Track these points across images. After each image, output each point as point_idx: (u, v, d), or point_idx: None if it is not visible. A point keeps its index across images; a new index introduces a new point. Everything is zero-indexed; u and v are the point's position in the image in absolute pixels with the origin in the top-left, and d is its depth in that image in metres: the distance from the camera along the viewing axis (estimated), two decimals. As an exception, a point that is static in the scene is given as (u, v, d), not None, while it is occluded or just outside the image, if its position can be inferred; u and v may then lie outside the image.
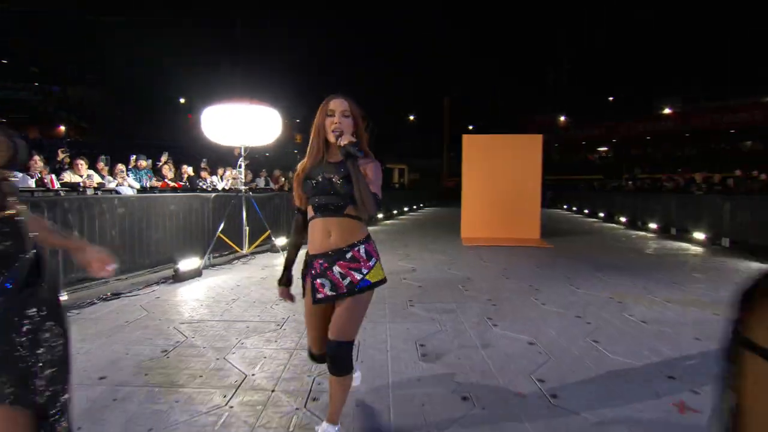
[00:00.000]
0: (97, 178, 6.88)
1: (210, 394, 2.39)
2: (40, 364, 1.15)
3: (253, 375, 2.63)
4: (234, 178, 9.48)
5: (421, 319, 3.72)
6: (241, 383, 2.52)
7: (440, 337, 3.29)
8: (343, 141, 1.66)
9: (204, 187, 8.72)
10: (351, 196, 1.69)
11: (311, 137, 1.82)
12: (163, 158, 8.89)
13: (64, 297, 3.99)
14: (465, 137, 9.30)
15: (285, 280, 1.94)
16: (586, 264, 6.32)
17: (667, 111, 40.44)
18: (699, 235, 8.83)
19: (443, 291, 4.72)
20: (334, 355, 1.73)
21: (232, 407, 2.25)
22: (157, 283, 5.03)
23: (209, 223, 6.33)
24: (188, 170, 9.10)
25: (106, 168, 7.43)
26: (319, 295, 1.74)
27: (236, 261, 6.56)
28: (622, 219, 13.38)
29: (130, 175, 7.71)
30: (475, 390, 2.45)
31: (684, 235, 9.44)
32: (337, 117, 1.75)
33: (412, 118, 51.97)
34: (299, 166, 1.85)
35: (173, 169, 8.59)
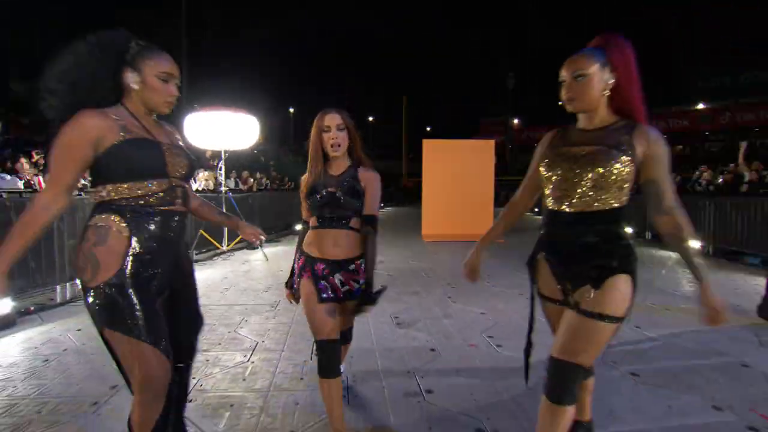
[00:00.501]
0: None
1: (233, 354, 3.00)
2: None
3: (263, 341, 3.25)
4: (206, 180, 9.95)
5: (394, 299, 4.43)
6: (255, 347, 3.14)
7: (410, 312, 4.02)
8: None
9: None
10: (354, 209, 1.89)
11: (310, 153, 1.92)
12: None
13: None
14: (425, 142, 10.08)
15: (291, 284, 2.06)
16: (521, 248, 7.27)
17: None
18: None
19: (409, 278, 5.47)
20: (329, 346, 1.87)
21: (253, 362, 2.87)
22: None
23: (191, 221, 6.79)
24: None
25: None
26: (324, 296, 1.87)
27: (216, 257, 7.03)
28: None
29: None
30: (440, 345, 3.19)
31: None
32: (333, 132, 1.87)
33: (371, 119, 52.74)
34: (302, 183, 1.96)
35: None
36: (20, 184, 6.04)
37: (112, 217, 1.40)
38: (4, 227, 4.28)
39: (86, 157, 1.38)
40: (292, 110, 52.03)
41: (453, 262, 6.68)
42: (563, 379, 1.45)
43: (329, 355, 1.84)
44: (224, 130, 6.54)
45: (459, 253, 7.45)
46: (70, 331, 3.42)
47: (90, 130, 1.36)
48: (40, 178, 6.41)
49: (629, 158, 1.45)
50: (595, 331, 1.43)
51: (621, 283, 1.46)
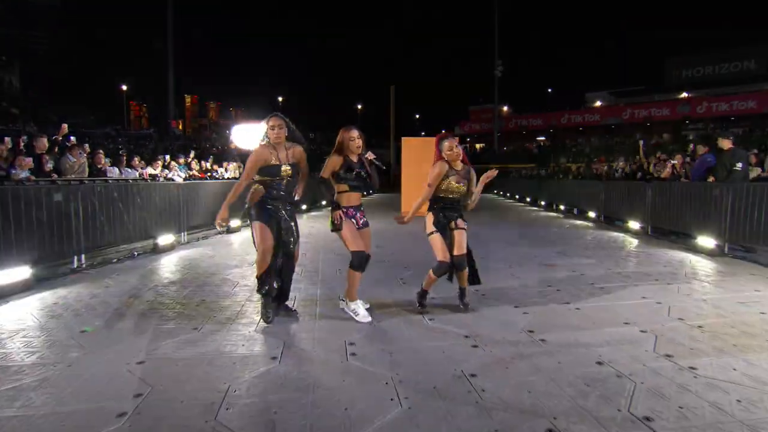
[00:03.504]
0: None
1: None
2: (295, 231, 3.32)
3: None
4: (235, 169, 11.86)
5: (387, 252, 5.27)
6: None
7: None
8: (371, 156, 3.42)
9: (216, 176, 11.58)
10: (366, 182, 3.40)
11: (342, 149, 3.29)
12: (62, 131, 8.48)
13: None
14: (403, 140, 12.25)
15: (336, 206, 3.33)
16: (475, 222, 8.19)
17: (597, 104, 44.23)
18: (591, 214, 11.08)
19: (392, 240, 6.32)
20: (366, 257, 3.33)
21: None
22: (145, 251, 6.27)
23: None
24: (206, 165, 11.74)
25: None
26: (356, 225, 3.38)
27: (217, 236, 7.86)
28: (528, 199, 17.95)
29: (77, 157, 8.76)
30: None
31: (582, 214, 11.68)
32: (357, 141, 3.31)
33: (360, 107, 53.15)
34: (336, 163, 3.28)
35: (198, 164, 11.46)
36: (135, 175, 8.35)
37: (258, 185, 3.26)
38: (109, 204, 5.59)
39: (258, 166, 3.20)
40: (281, 99, 52.29)
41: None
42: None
43: (359, 258, 3.27)
44: (258, 134, 7.97)
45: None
46: (81, 294, 4.13)
47: (259, 159, 3.18)
48: (146, 171, 9.12)
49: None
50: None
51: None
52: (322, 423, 1.98)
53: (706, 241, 6.19)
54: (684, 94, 38.66)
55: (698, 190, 6.67)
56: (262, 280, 3.24)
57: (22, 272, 4.20)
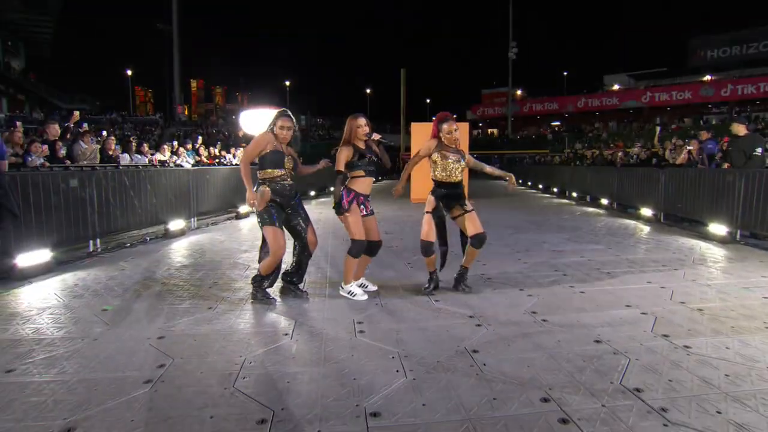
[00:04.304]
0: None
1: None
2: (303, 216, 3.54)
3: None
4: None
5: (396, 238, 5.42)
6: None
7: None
8: (377, 137, 3.54)
9: (224, 162, 11.56)
10: (378, 165, 3.56)
11: (350, 139, 3.44)
12: (74, 117, 9.29)
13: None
14: (413, 125, 12.23)
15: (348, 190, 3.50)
16: (485, 208, 8.25)
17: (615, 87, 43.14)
18: (604, 201, 11.02)
19: (403, 224, 6.45)
20: (378, 244, 3.62)
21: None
22: (160, 236, 6.49)
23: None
24: (214, 151, 11.83)
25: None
26: (365, 213, 3.52)
27: (227, 221, 8.07)
28: (541, 186, 17.99)
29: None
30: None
31: (594, 201, 11.62)
32: (364, 129, 3.45)
33: (369, 91, 52.89)
34: (347, 154, 3.40)
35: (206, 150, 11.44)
36: (144, 161, 8.54)
37: (265, 187, 3.29)
38: (122, 190, 5.79)
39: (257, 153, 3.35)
40: (288, 83, 52.20)
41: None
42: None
43: (359, 246, 3.43)
44: (265, 120, 8.06)
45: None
46: (98, 276, 4.37)
47: (261, 143, 3.32)
48: (155, 157, 9.19)
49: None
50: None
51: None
52: (332, 391, 2.13)
53: (718, 228, 6.17)
54: (707, 77, 37.60)
55: (711, 177, 6.63)
56: (266, 278, 3.48)
57: (43, 255, 4.44)
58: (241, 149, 11.96)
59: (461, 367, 2.37)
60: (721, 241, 5.93)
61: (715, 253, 5.35)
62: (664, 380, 2.19)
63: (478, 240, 3.56)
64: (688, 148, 8.25)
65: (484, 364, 2.40)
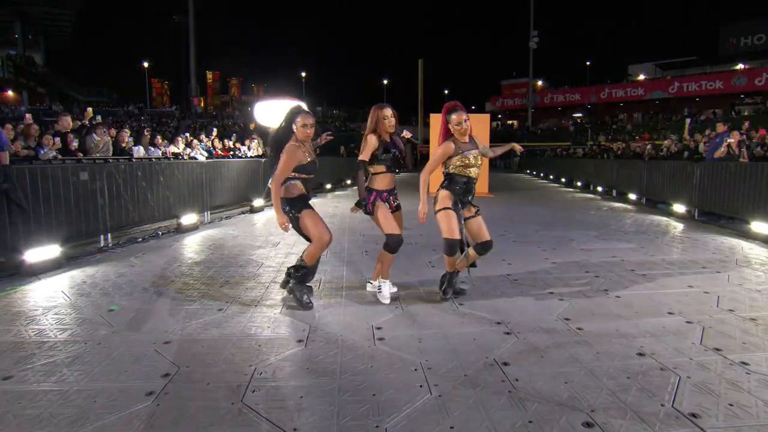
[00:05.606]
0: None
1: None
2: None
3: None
4: (258, 147, 11.65)
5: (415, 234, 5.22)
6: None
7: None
8: (407, 135, 3.34)
9: (239, 155, 11.22)
10: (398, 163, 3.31)
11: (376, 129, 3.16)
12: (88, 113, 9.75)
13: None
14: (432, 116, 11.83)
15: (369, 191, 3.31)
16: (507, 203, 7.94)
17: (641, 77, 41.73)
18: (632, 196, 10.58)
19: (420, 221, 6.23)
20: (400, 240, 3.28)
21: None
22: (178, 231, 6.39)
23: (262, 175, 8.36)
24: (229, 143, 11.53)
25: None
26: (390, 209, 3.32)
27: (241, 215, 7.95)
28: (563, 180, 17.36)
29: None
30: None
31: (621, 196, 11.18)
32: (390, 120, 3.18)
33: (385, 82, 52.40)
34: (374, 144, 3.15)
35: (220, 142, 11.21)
36: (158, 154, 8.37)
37: (295, 181, 3.16)
38: (133, 183, 5.68)
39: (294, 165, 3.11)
40: (304, 74, 52.24)
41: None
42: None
43: (395, 241, 3.23)
44: (281, 112, 7.87)
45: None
46: (108, 273, 4.26)
47: (296, 157, 3.09)
48: (168, 149, 8.94)
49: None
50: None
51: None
52: (349, 409, 1.93)
53: (761, 226, 5.76)
54: (740, 66, 36.05)
55: (753, 171, 6.20)
56: (309, 271, 3.28)
57: (52, 250, 4.34)
58: (256, 141, 11.64)
59: (491, 383, 2.15)
60: (765, 241, 5.53)
61: (760, 254, 4.97)
62: (724, 404, 1.93)
63: (486, 247, 3.28)
64: (728, 140, 7.76)
65: (516, 380, 2.17)
